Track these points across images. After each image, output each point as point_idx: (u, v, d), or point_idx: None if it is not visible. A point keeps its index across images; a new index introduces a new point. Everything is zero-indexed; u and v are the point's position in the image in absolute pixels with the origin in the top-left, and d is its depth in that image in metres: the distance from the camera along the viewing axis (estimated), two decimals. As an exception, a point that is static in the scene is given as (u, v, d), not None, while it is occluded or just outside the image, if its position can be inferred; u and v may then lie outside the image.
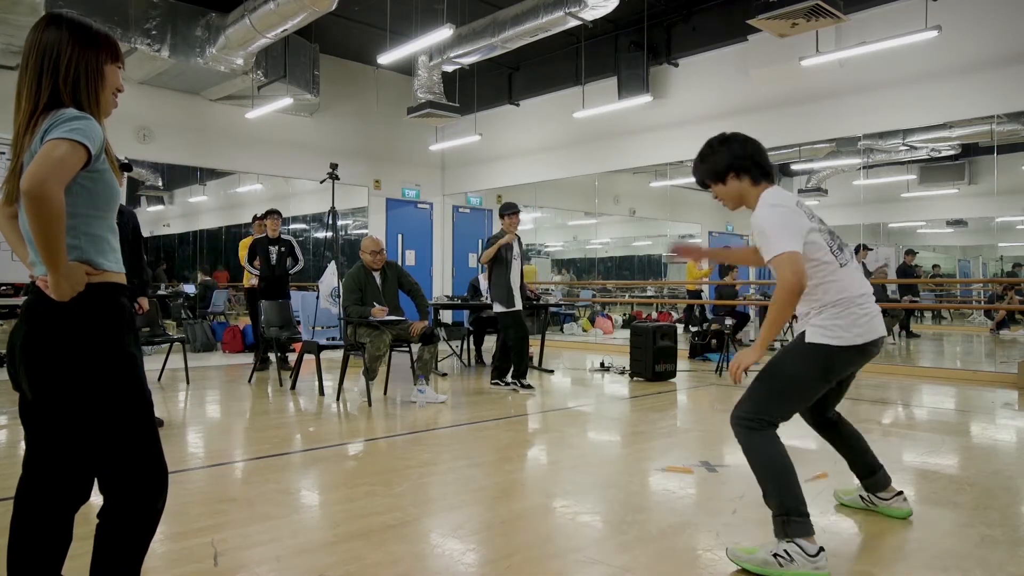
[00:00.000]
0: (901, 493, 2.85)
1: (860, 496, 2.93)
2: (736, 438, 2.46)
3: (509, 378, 6.44)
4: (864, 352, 2.43)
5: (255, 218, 8.53)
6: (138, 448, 1.69)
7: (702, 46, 9.32)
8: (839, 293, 2.38)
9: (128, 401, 1.67)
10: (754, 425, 2.41)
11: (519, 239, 6.62)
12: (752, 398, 2.46)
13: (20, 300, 7.07)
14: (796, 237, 2.27)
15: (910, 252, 11.19)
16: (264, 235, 7.75)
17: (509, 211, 6.54)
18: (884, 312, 2.75)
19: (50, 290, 1.57)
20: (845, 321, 2.36)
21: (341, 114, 11.36)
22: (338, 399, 5.75)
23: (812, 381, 2.44)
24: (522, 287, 6.66)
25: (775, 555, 2.26)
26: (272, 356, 7.23)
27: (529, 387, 6.35)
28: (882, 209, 12.48)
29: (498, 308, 6.43)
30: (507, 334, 6.45)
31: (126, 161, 4.88)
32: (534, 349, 7.50)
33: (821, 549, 2.25)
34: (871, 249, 10.72)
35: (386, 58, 8.39)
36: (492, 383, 6.54)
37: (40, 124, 1.60)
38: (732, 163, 2.47)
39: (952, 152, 10.66)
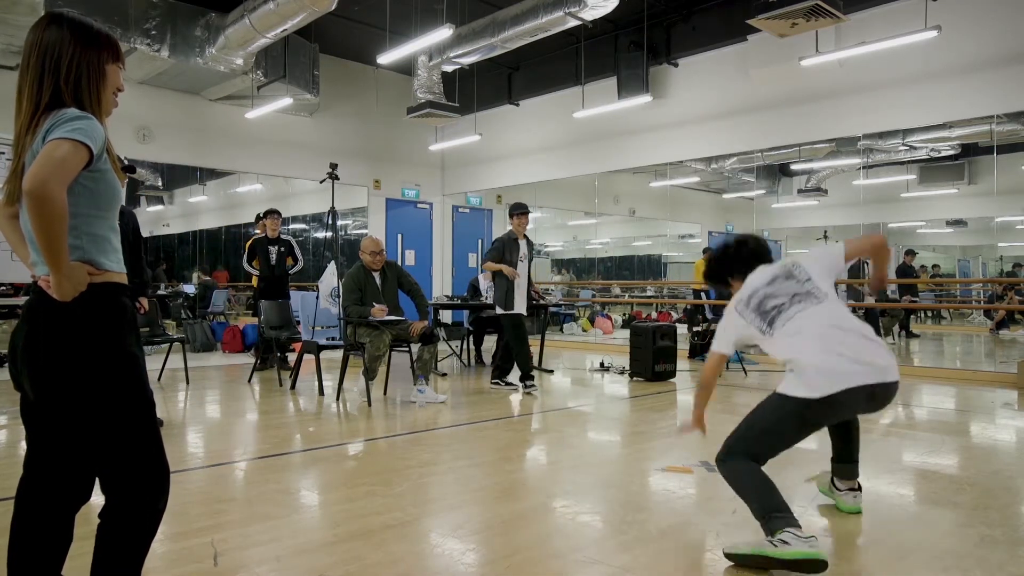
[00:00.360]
0: (857, 489, 2.95)
1: (831, 482, 3.06)
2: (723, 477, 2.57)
3: (516, 380, 6.42)
4: (836, 404, 2.45)
5: (258, 218, 8.54)
6: (140, 448, 1.69)
7: (702, 46, 9.31)
8: (783, 357, 2.59)
9: (130, 401, 1.67)
10: (727, 458, 2.55)
11: (528, 240, 6.57)
12: (727, 440, 2.60)
13: (20, 300, 7.07)
14: (727, 341, 2.78)
15: (910, 252, 11.19)
16: (263, 235, 7.75)
17: (518, 211, 6.41)
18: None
19: (52, 290, 1.57)
20: (804, 377, 2.48)
21: (341, 114, 11.36)
22: (338, 399, 5.75)
23: (781, 428, 2.55)
24: (529, 287, 6.62)
25: (770, 542, 2.32)
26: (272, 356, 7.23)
27: (533, 386, 6.32)
28: (882, 209, 12.49)
29: (498, 310, 6.42)
30: (506, 336, 6.44)
31: (128, 163, 4.87)
32: (534, 349, 7.49)
33: (813, 536, 2.29)
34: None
35: (386, 58, 8.39)
36: (492, 383, 6.54)
37: (42, 124, 1.60)
38: (730, 271, 2.99)
39: (952, 152, 10.66)
